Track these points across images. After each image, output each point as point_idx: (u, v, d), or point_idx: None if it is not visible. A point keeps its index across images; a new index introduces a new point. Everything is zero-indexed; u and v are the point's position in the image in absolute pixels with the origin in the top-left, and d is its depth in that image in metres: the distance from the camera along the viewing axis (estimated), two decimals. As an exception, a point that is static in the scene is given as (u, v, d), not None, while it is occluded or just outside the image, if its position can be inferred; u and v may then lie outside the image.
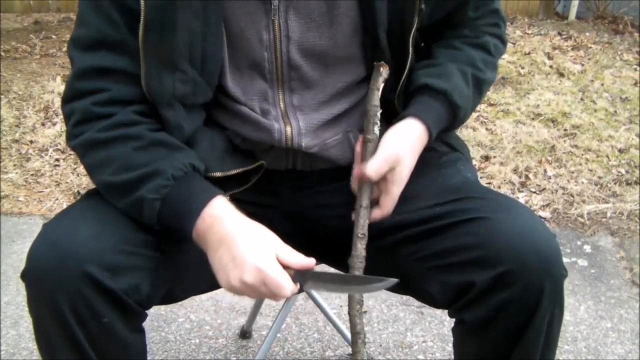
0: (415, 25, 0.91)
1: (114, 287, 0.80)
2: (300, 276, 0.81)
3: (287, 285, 0.79)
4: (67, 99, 0.88)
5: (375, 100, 0.94)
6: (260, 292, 0.79)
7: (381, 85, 0.94)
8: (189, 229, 0.83)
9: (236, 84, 0.93)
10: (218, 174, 0.93)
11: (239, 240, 0.80)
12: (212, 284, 0.90)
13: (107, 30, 0.85)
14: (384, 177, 0.90)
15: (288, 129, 0.94)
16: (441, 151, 1.03)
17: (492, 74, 1.01)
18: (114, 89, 0.86)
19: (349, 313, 0.89)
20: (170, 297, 0.96)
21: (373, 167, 0.89)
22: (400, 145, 0.90)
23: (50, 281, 0.79)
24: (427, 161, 0.98)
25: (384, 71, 0.93)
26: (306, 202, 1.02)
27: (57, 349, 0.83)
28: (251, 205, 0.99)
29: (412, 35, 0.92)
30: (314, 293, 1.46)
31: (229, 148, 0.97)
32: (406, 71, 0.95)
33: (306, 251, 1.05)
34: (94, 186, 0.93)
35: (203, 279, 0.91)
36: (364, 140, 0.94)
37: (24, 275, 0.82)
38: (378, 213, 0.91)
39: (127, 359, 0.88)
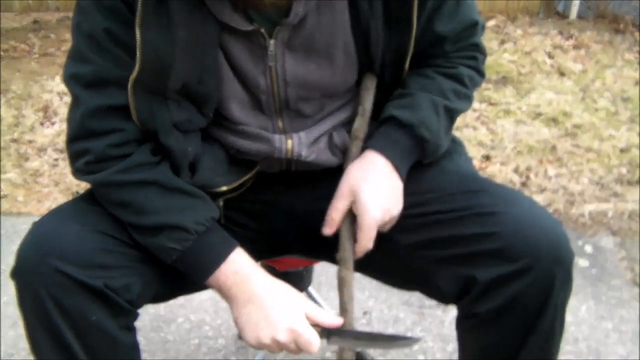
0: (409, 54, 0.91)
1: (98, 285, 0.81)
2: (327, 333, 0.86)
3: (316, 344, 0.84)
4: (78, 137, 0.87)
5: (370, 100, 0.95)
6: (289, 349, 0.84)
7: (373, 85, 0.95)
8: (204, 279, 0.87)
9: (235, 111, 0.93)
10: (224, 188, 0.95)
11: (271, 300, 0.85)
12: (202, 285, 0.92)
13: (111, 66, 0.83)
14: (352, 213, 0.91)
15: (289, 141, 0.95)
16: None
17: (465, 104, 0.99)
18: (128, 128, 0.86)
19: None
20: (162, 296, 0.97)
21: (332, 207, 0.91)
22: (355, 178, 0.90)
23: (36, 280, 0.81)
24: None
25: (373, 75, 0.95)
26: (300, 200, 1.03)
27: (43, 347, 0.84)
28: (247, 202, 1.00)
29: (407, 64, 0.93)
30: (314, 293, 1.46)
31: (228, 160, 0.98)
32: (399, 85, 0.97)
33: (300, 247, 1.07)
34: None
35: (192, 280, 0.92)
36: (354, 137, 0.95)
37: (13, 274, 0.84)
38: (357, 248, 0.91)
39: (118, 357, 0.88)
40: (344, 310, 0.91)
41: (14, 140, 2.62)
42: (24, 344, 1.54)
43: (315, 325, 0.85)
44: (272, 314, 0.84)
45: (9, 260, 2.00)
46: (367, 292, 1.72)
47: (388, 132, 0.93)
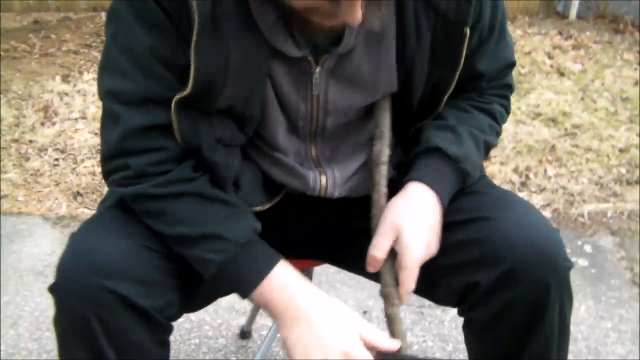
0: (450, 90, 0.90)
1: (146, 305, 0.79)
2: (382, 356, 0.81)
3: None
4: (117, 155, 0.84)
5: (388, 122, 0.91)
6: None
7: (388, 105, 0.92)
8: (246, 294, 0.82)
9: (272, 134, 0.92)
10: (258, 209, 0.94)
11: (323, 320, 0.79)
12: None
13: (154, 85, 0.81)
14: (394, 252, 0.86)
15: (323, 178, 0.94)
16: None
17: (497, 140, 0.99)
18: (169, 147, 0.83)
19: None
20: (195, 306, 0.96)
21: (374, 245, 0.85)
22: (400, 214, 0.85)
23: (81, 297, 0.77)
24: None
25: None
26: (318, 213, 1.02)
27: None
28: (275, 211, 0.98)
29: (444, 98, 0.91)
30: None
31: (263, 179, 0.97)
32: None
33: (308, 251, 1.05)
34: (109, 196, 0.92)
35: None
36: (375, 163, 0.91)
37: (53, 289, 0.80)
38: (400, 292, 0.86)
39: None
40: (401, 346, 0.85)
41: (15, 140, 2.62)
42: (24, 344, 1.54)
43: (369, 347, 0.80)
44: (325, 336, 0.78)
45: (9, 261, 2.00)
46: (367, 291, 1.72)
47: (434, 163, 0.89)
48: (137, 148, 0.83)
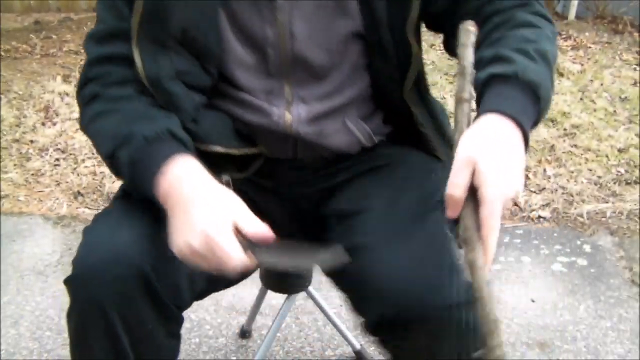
0: (411, 15, 0.87)
1: (159, 290, 0.80)
2: (254, 248, 0.75)
3: (236, 257, 0.73)
4: (79, 86, 0.92)
5: (469, 57, 0.78)
6: (208, 261, 0.74)
7: (473, 41, 0.79)
8: (152, 190, 0.79)
9: (241, 76, 0.93)
10: (219, 148, 0.93)
11: (194, 203, 0.75)
12: (244, 276, 0.92)
13: (119, 23, 0.88)
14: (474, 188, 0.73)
15: (288, 116, 0.93)
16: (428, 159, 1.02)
17: (551, 45, 0.83)
18: (120, 71, 0.88)
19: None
20: (203, 293, 0.96)
21: (451, 184, 0.72)
22: (473, 145, 0.72)
23: (97, 285, 0.78)
24: (415, 166, 0.99)
25: (474, 28, 0.79)
26: (306, 188, 1.02)
27: (97, 352, 0.83)
28: (251, 185, 0.99)
29: (409, 26, 0.88)
30: (314, 292, 1.46)
31: (232, 129, 0.97)
32: (412, 65, 0.91)
33: (302, 235, 1.04)
34: (119, 188, 0.96)
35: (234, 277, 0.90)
36: (457, 100, 0.78)
37: (70, 281, 0.81)
38: (484, 230, 0.71)
39: None
40: (477, 297, 0.71)
41: (16, 140, 2.63)
42: (24, 344, 1.55)
43: (243, 237, 0.75)
44: (191, 218, 0.74)
45: (10, 260, 2.00)
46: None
47: (495, 91, 0.77)
48: (94, 74, 0.89)
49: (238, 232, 0.75)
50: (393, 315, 0.79)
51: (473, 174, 0.71)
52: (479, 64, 0.79)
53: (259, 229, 0.76)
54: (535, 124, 0.80)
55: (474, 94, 0.77)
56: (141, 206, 0.85)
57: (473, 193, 0.73)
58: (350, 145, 0.99)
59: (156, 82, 0.87)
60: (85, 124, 0.91)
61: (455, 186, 0.71)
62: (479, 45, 0.81)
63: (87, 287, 0.79)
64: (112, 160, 0.85)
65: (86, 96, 0.90)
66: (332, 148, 0.98)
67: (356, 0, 0.89)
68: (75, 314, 0.83)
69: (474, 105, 0.81)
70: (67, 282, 0.82)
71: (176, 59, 0.88)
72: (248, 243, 0.75)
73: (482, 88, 0.78)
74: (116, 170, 0.87)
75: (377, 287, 0.80)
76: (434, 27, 0.96)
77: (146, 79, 0.87)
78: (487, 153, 0.71)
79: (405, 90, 0.94)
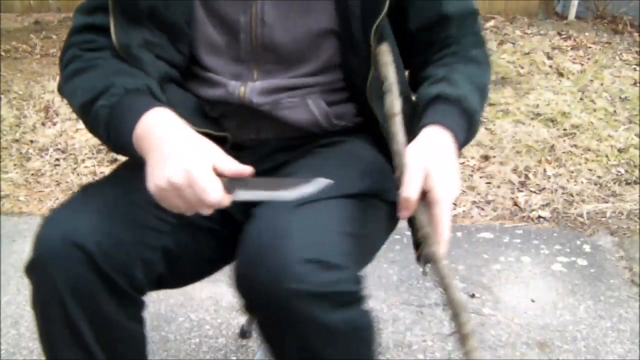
0: (382, 13, 0.90)
1: (109, 272, 0.82)
2: (232, 185, 0.77)
3: (214, 191, 0.75)
4: (63, 52, 0.96)
5: (392, 74, 0.89)
6: (185, 196, 0.75)
7: (390, 58, 0.91)
8: (131, 137, 0.81)
9: (211, 59, 0.97)
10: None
11: (173, 140, 0.78)
12: (207, 270, 0.94)
13: None
14: (425, 194, 0.82)
15: (242, 88, 0.96)
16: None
17: (488, 81, 1.00)
18: (100, 40, 0.93)
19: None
20: (166, 281, 0.96)
21: (406, 187, 0.80)
22: (424, 154, 0.83)
23: (52, 266, 0.81)
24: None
25: (387, 47, 0.91)
26: (268, 168, 1.02)
27: (58, 339, 0.85)
28: None
29: (377, 22, 0.91)
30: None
31: (199, 110, 0.99)
32: (372, 64, 0.94)
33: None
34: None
35: (196, 267, 0.93)
36: (389, 116, 0.88)
37: (27, 268, 0.84)
38: (437, 228, 0.80)
39: (127, 348, 0.90)
40: (441, 285, 0.79)
41: (16, 140, 2.63)
42: (25, 344, 1.55)
43: (222, 177, 0.76)
44: (171, 153, 0.76)
45: (10, 260, 2.01)
46: (366, 291, 1.73)
47: (439, 108, 0.89)
48: (75, 42, 0.94)
49: (215, 171, 0.76)
50: (243, 294, 0.80)
51: (425, 178, 0.81)
52: (429, 78, 0.95)
53: (237, 165, 0.78)
54: (464, 144, 0.92)
55: (400, 107, 0.87)
56: (101, 192, 0.89)
57: (423, 195, 0.83)
58: (309, 124, 1.00)
59: (126, 48, 0.91)
60: (62, 84, 0.94)
61: (411, 190, 0.80)
62: (432, 62, 0.98)
63: (42, 273, 0.82)
64: (88, 111, 0.87)
65: (65, 59, 0.94)
66: (290, 123, 0.99)
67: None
68: (35, 301, 0.85)
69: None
70: (26, 271, 0.84)
71: (147, 33, 0.93)
72: (226, 181, 0.76)
73: (430, 102, 0.91)
74: (91, 121, 0.88)
75: (238, 260, 0.80)
76: (404, 54, 1.00)
77: (117, 46, 0.91)
78: (436, 161, 0.82)
79: (367, 89, 0.96)
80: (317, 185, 0.80)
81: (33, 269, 0.83)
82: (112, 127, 0.84)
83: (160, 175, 0.76)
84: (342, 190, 0.87)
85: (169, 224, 0.91)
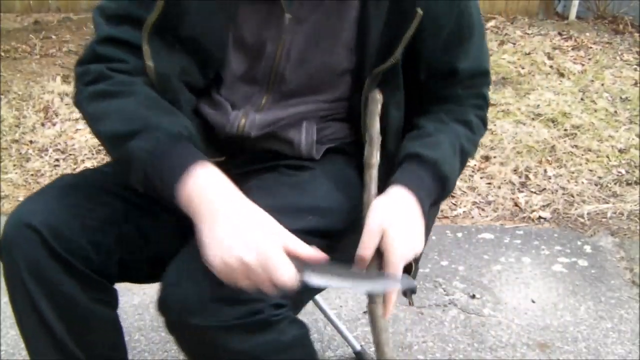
0: (390, 60, 0.92)
1: (62, 254, 0.86)
2: (304, 267, 0.75)
3: (288, 273, 0.73)
4: (85, 60, 0.91)
5: (377, 125, 0.95)
6: (256, 277, 0.74)
7: (379, 110, 0.96)
8: (173, 190, 0.78)
9: (227, 82, 0.97)
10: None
11: (246, 217, 0.76)
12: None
13: (132, 7, 0.89)
14: (380, 251, 0.86)
15: (243, 119, 0.97)
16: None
17: (473, 151, 1.02)
18: (131, 61, 0.90)
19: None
20: (132, 271, 0.98)
21: (363, 245, 0.85)
22: (384, 214, 0.86)
23: (14, 249, 0.86)
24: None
25: (380, 97, 0.96)
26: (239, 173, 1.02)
27: (24, 318, 0.91)
28: None
29: (381, 69, 0.93)
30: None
31: (206, 137, 1.00)
32: (362, 103, 0.98)
33: None
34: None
35: (158, 260, 0.93)
36: (366, 166, 0.94)
37: None
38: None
39: (94, 331, 0.93)
40: (377, 342, 0.84)
41: (15, 141, 2.63)
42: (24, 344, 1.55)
43: (293, 258, 0.75)
44: (244, 232, 0.74)
45: (10, 261, 1.97)
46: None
47: (412, 168, 0.92)
48: (104, 54, 0.90)
49: (287, 252, 0.75)
50: (164, 316, 0.82)
51: (382, 238, 0.85)
52: (419, 129, 0.98)
53: (311, 250, 0.77)
54: (434, 204, 0.95)
55: (378, 160, 0.93)
56: (71, 181, 0.94)
57: (378, 253, 0.86)
58: (295, 145, 1.01)
59: (166, 79, 0.90)
60: (84, 100, 0.90)
61: (367, 248, 0.84)
62: (429, 112, 1.00)
63: (7, 256, 0.87)
64: (118, 144, 0.83)
65: (91, 72, 0.89)
66: (284, 139, 1.01)
67: (354, 39, 0.93)
68: (6, 283, 0.89)
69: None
70: None
71: (183, 60, 0.92)
72: (298, 263, 0.75)
73: (407, 158, 0.94)
74: (121, 155, 0.84)
75: (160, 285, 0.83)
76: (409, 99, 1.01)
77: (155, 75, 0.89)
78: (395, 224, 0.85)
79: (361, 120, 0.99)
80: (388, 284, 0.84)
81: (1, 254, 0.88)
82: (150, 173, 0.80)
83: (230, 252, 0.73)
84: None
85: (126, 210, 0.94)
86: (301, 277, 0.76)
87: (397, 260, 0.84)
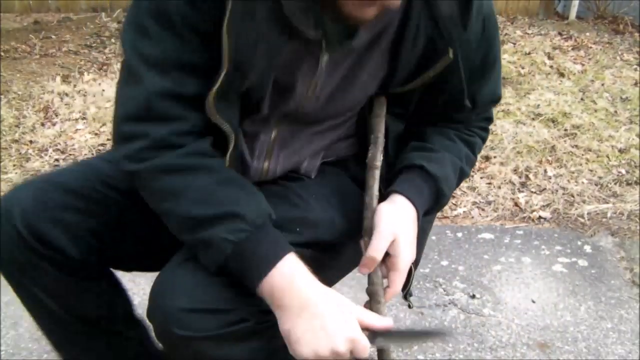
0: (409, 86, 0.93)
1: (38, 248, 0.89)
2: (374, 335, 0.83)
3: (368, 349, 0.80)
4: (135, 117, 0.81)
5: (382, 128, 0.97)
6: (342, 358, 0.79)
7: (383, 112, 0.97)
8: (256, 282, 0.79)
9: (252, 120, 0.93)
10: None
11: (327, 309, 0.79)
12: (151, 260, 0.96)
13: (180, 50, 0.79)
14: (388, 255, 0.91)
15: (265, 164, 0.97)
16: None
17: (470, 170, 1.06)
18: (191, 118, 0.82)
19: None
20: (115, 263, 1.02)
21: (373, 247, 0.89)
22: (395, 221, 0.91)
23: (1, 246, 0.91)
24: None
25: (384, 99, 0.97)
26: None
27: (33, 312, 1.01)
28: None
29: (399, 90, 0.94)
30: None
31: None
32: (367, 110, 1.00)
33: None
34: None
35: (135, 252, 0.98)
36: (369, 167, 0.96)
37: None
38: (389, 292, 0.91)
39: (84, 301, 0.99)
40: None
41: (15, 141, 2.63)
42: (24, 344, 1.55)
43: (364, 329, 0.82)
44: (331, 324, 0.78)
45: (10, 261, 1.97)
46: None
47: (416, 179, 0.96)
48: (158, 114, 0.80)
49: (361, 325, 0.82)
50: (153, 326, 0.85)
51: (392, 243, 0.89)
52: (424, 140, 1.00)
53: (382, 321, 0.84)
54: (424, 214, 0.98)
55: (381, 161, 0.96)
56: (56, 174, 0.96)
57: (385, 256, 0.91)
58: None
59: (236, 141, 0.87)
60: (148, 172, 0.82)
61: (377, 250, 0.89)
62: (437, 124, 1.02)
63: None
64: (196, 227, 0.80)
65: (151, 137, 0.81)
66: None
67: (384, 70, 0.92)
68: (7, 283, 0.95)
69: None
70: None
71: (238, 109, 0.88)
72: (370, 334, 0.82)
73: (411, 168, 0.96)
74: (198, 239, 0.81)
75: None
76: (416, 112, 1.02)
77: (224, 126, 0.84)
78: (404, 232, 0.91)
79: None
80: (437, 336, 1.00)
81: None
82: (232, 264, 0.80)
83: (325, 346, 0.78)
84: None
85: (101, 204, 0.95)
86: (373, 346, 0.83)
87: (404, 266, 0.90)
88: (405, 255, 0.90)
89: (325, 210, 0.97)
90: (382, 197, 0.96)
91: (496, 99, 1.03)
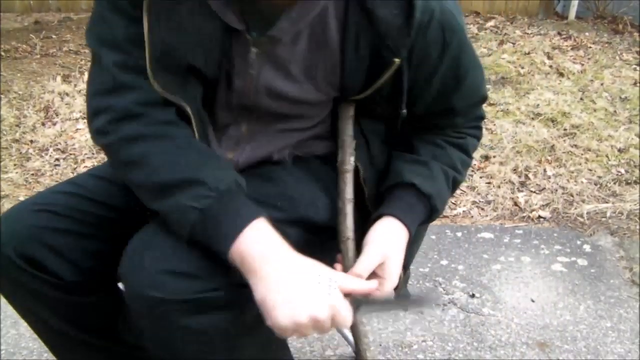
0: (363, 94, 0.90)
1: (28, 270, 0.91)
2: (357, 302, 0.80)
3: (349, 316, 0.78)
4: (102, 92, 0.85)
5: (350, 129, 0.94)
6: (323, 327, 0.77)
7: (352, 115, 0.95)
8: (224, 249, 0.78)
9: (214, 104, 0.94)
10: None
11: (306, 276, 0.77)
12: None
13: (129, 26, 0.83)
14: (374, 273, 0.89)
15: (230, 155, 0.96)
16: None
17: (466, 175, 1.05)
18: (149, 88, 0.84)
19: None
20: (114, 277, 1.01)
21: (362, 264, 0.87)
22: (385, 245, 0.90)
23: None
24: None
25: (350, 104, 0.94)
26: None
27: (26, 318, 1.06)
28: None
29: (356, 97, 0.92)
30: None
31: None
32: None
33: None
34: None
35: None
36: (340, 171, 0.94)
37: None
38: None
39: (85, 315, 1.00)
40: (358, 344, 0.91)
41: (16, 140, 2.63)
42: (24, 344, 1.55)
43: (347, 295, 0.79)
44: (308, 288, 0.76)
45: (11, 260, 1.97)
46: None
47: (407, 199, 0.95)
48: (119, 85, 0.84)
49: (342, 292, 0.79)
50: (124, 286, 0.84)
51: (381, 265, 0.88)
52: (414, 151, 0.98)
53: (364, 284, 0.83)
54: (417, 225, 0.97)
55: (353, 164, 0.94)
56: (50, 192, 0.98)
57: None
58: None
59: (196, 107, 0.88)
60: (115, 142, 0.85)
61: (365, 270, 0.87)
62: (425, 134, 1.00)
63: None
64: (163, 194, 0.81)
65: (116, 109, 0.84)
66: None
67: (339, 68, 0.89)
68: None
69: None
70: None
71: (191, 83, 0.88)
72: (353, 301, 0.80)
73: (403, 186, 0.95)
74: (165, 208, 0.81)
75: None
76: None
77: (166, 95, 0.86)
78: (393, 257, 0.90)
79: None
80: (422, 301, 1.00)
81: None
82: (201, 230, 0.79)
83: (301, 312, 0.75)
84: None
85: (94, 224, 0.96)
86: (357, 313, 0.81)
87: (390, 287, 0.89)
88: (393, 279, 0.89)
89: (306, 187, 0.95)
90: (368, 215, 0.95)
91: (480, 100, 1.00)
